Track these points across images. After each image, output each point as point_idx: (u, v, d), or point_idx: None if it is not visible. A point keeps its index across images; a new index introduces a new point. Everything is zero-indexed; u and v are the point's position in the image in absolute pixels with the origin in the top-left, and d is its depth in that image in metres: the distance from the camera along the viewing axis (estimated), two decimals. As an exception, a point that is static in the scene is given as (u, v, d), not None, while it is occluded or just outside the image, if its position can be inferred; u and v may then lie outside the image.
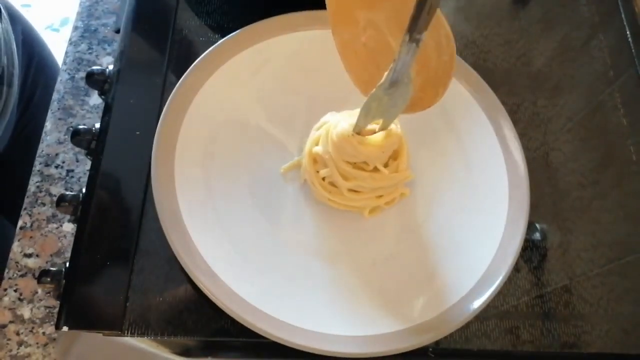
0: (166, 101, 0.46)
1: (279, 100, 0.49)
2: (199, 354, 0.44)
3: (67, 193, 0.45)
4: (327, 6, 0.39)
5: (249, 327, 0.39)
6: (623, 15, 0.60)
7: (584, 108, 0.55)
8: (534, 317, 0.45)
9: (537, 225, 0.48)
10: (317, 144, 0.44)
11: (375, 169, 0.43)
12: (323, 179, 0.44)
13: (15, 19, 0.63)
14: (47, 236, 0.48)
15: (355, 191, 0.44)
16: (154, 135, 0.44)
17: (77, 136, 0.47)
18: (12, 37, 0.58)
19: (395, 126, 0.42)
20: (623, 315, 0.46)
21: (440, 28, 0.36)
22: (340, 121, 0.43)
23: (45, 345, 0.44)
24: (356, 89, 0.50)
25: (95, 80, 0.49)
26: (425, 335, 0.40)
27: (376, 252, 0.45)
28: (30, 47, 0.66)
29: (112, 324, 0.40)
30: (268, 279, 0.42)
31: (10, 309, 0.45)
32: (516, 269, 0.46)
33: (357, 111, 0.44)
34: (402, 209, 0.47)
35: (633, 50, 0.58)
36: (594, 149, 0.53)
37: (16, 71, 0.58)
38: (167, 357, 0.44)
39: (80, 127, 0.47)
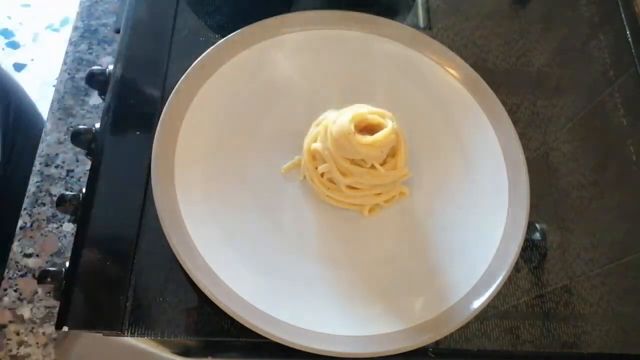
0: (166, 101, 0.46)
1: (279, 100, 0.49)
2: (199, 354, 0.44)
3: (67, 193, 0.45)
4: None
5: (249, 327, 0.39)
6: (623, 15, 0.60)
7: (584, 108, 0.55)
8: (534, 317, 0.45)
9: (537, 225, 0.48)
10: (315, 141, 0.44)
11: (373, 166, 0.43)
12: (322, 175, 0.44)
13: None
14: (47, 236, 0.48)
15: (353, 188, 0.44)
16: (154, 135, 0.44)
17: (77, 136, 0.47)
18: None
19: (391, 123, 0.42)
20: (623, 315, 0.46)
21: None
22: (339, 117, 0.43)
23: (45, 345, 0.44)
24: (354, 89, 0.51)
25: (96, 80, 0.49)
26: (425, 335, 0.40)
27: (376, 252, 0.45)
28: (5, 92, 0.62)
29: (112, 324, 0.40)
30: (268, 279, 0.42)
31: (10, 309, 0.45)
32: (516, 268, 0.46)
33: (355, 107, 0.44)
34: (402, 209, 0.47)
35: (633, 50, 0.58)
36: (594, 149, 0.53)
37: None
38: (167, 357, 0.43)
39: (80, 127, 0.47)
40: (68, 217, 0.48)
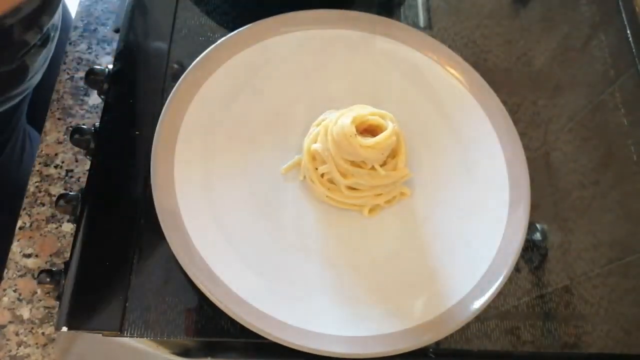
0: (166, 101, 0.46)
1: (279, 100, 0.49)
2: (198, 354, 0.44)
3: (67, 193, 0.45)
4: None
5: (248, 327, 0.39)
6: (623, 15, 0.60)
7: (584, 108, 0.55)
8: (534, 317, 0.45)
9: (538, 226, 0.48)
10: (316, 141, 0.44)
11: (373, 168, 0.43)
12: (322, 175, 0.44)
13: None
14: (47, 236, 0.48)
15: (354, 189, 0.44)
16: (154, 135, 0.44)
17: (76, 136, 0.47)
18: None
19: (392, 124, 0.42)
20: (623, 315, 0.46)
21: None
22: (339, 118, 0.43)
23: (45, 345, 0.44)
24: (354, 88, 0.51)
25: (95, 79, 0.49)
26: (426, 336, 0.40)
27: (376, 252, 0.45)
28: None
29: (111, 324, 0.40)
30: (268, 279, 0.42)
31: (9, 309, 0.45)
32: (517, 269, 0.46)
33: (356, 108, 0.44)
34: (403, 209, 0.46)
35: (633, 50, 0.58)
36: (594, 149, 0.53)
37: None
38: (167, 358, 0.43)
39: (80, 126, 0.47)
40: (67, 217, 0.48)
